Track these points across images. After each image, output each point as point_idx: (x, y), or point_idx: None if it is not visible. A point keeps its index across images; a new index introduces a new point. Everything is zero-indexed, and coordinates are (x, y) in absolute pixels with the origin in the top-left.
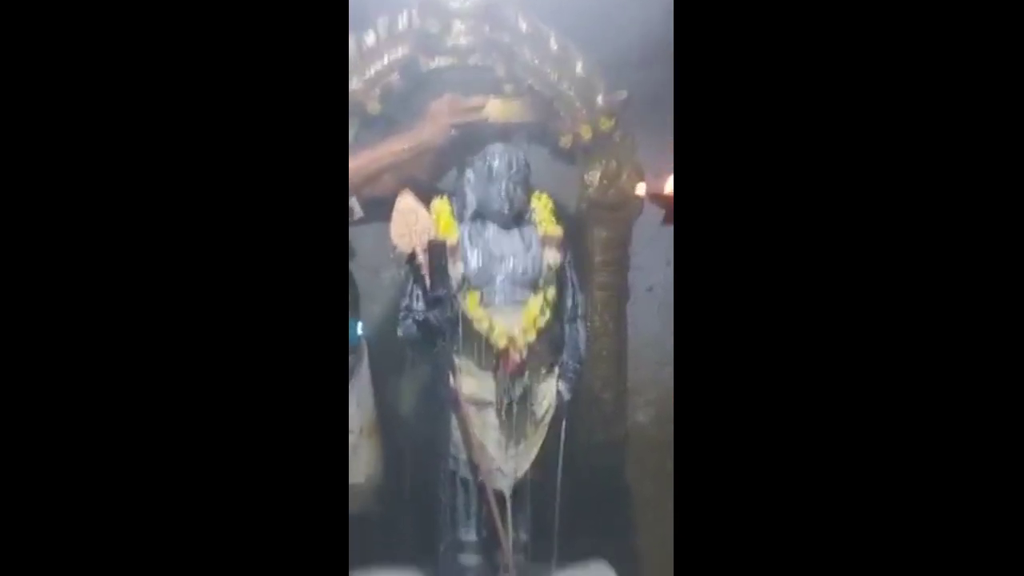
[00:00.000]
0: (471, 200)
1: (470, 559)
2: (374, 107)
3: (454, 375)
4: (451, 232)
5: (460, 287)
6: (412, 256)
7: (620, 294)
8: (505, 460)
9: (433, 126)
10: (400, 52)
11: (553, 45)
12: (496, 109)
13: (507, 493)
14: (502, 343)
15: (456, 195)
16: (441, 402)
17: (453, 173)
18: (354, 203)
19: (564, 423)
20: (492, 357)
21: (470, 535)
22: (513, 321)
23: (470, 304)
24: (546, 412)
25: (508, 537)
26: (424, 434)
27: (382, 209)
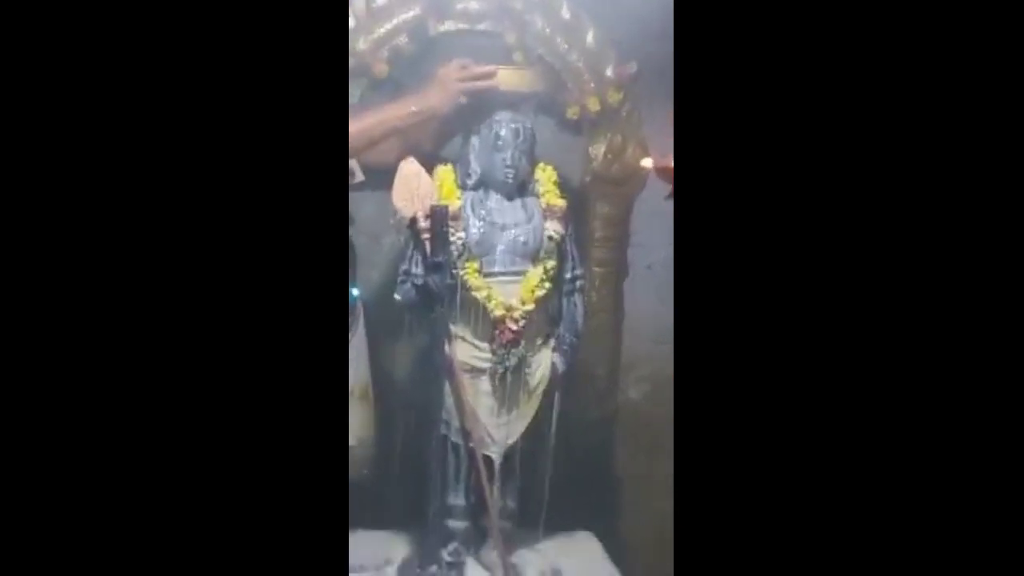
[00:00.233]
0: (475, 168)
1: (457, 523)
2: (381, 69)
3: (450, 342)
4: (453, 199)
5: (460, 255)
6: (413, 221)
7: (618, 270)
8: (496, 427)
9: (441, 92)
10: (410, 13)
11: (565, 14)
12: (505, 78)
13: (496, 460)
14: (499, 312)
15: (460, 163)
16: (436, 368)
17: (457, 141)
18: (355, 166)
19: (557, 395)
20: (488, 326)
21: (458, 500)
22: (511, 291)
23: (469, 272)
24: (539, 383)
25: (495, 503)
26: (417, 399)
27: (383, 177)
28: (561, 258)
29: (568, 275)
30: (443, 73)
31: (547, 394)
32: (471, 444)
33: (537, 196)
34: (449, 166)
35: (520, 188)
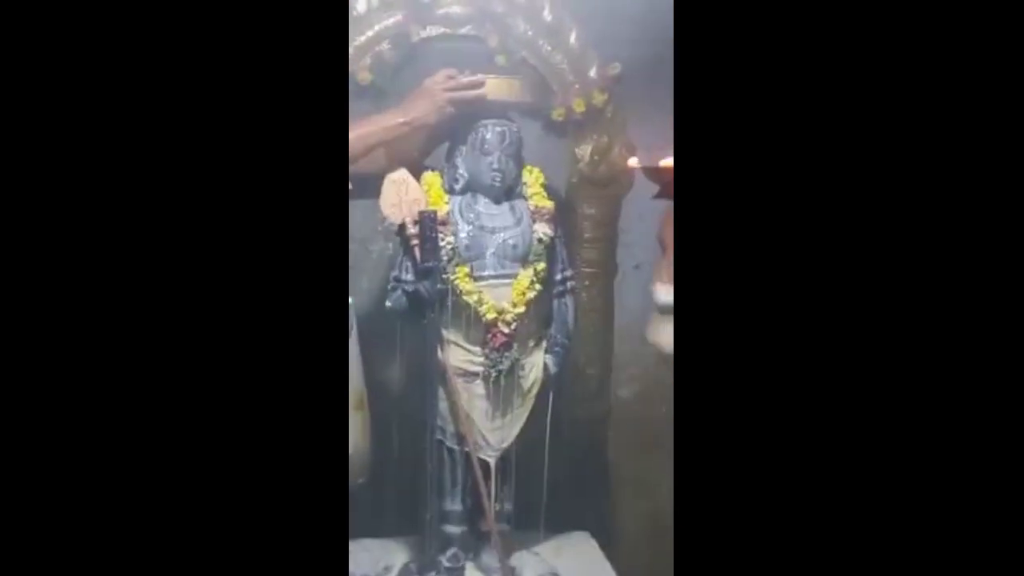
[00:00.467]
0: (462, 173)
1: (455, 529)
2: (364, 77)
3: (442, 347)
4: (441, 204)
5: (450, 260)
6: (402, 227)
7: (607, 270)
8: (491, 431)
9: (429, 102)
10: (391, 21)
11: (547, 16)
12: (493, 87)
13: (492, 464)
14: (491, 316)
15: (447, 167)
16: (429, 373)
17: (444, 148)
18: None
19: (551, 396)
20: (481, 330)
21: (455, 505)
22: (502, 294)
23: (460, 277)
24: (533, 385)
25: (492, 507)
26: (411, 405)
27: (371, 185)
28: (551, 260)
29: (558, 277)
30: (430, 83)
31: (541, 396)
32: (467, 449)
33: (525, 199)
34: (436, 172)
35: (508, 191)
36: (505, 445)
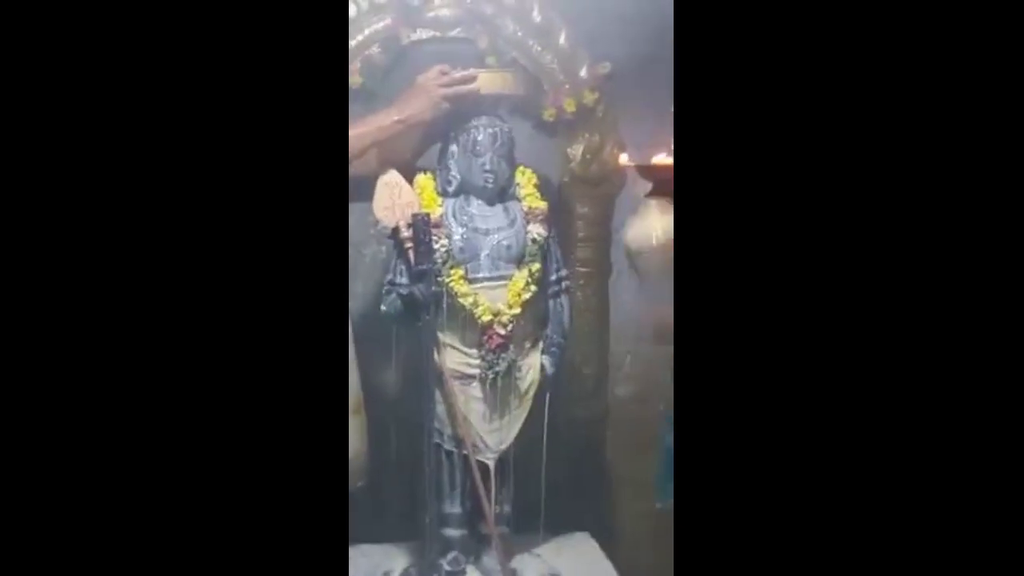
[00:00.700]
0: (455, 175)
1: (455, 532)
2: (355, 80)
3: (438, 350)
4: (435, 207)
5: (444, 262)
6: (396, 231)
7: (602, 269)
8: (489, 433)
9: (423, 99)
10: (381, 24)
11: (536, 17)
12: (486, 81)
13: (491, 466)
14: (486, 318)
15: (440, 170)
16: (425, 376)
17: (436, 149)
18: None
19: (548, 397)
20: (476, 332)
21: (454, 507)
22: (497, 296)
23: (454, 279)
24: (530, 386)
25: (492, 509)
26: (408, 408)
27: (363, 188)
28: (545, 260)
29: (553, 277)
30: (423, 80)
31: (538, 397)
32: (465, 451)
33: (518, 200)
34: (429, 174)
35: (501, 192)
36: (503, 447)
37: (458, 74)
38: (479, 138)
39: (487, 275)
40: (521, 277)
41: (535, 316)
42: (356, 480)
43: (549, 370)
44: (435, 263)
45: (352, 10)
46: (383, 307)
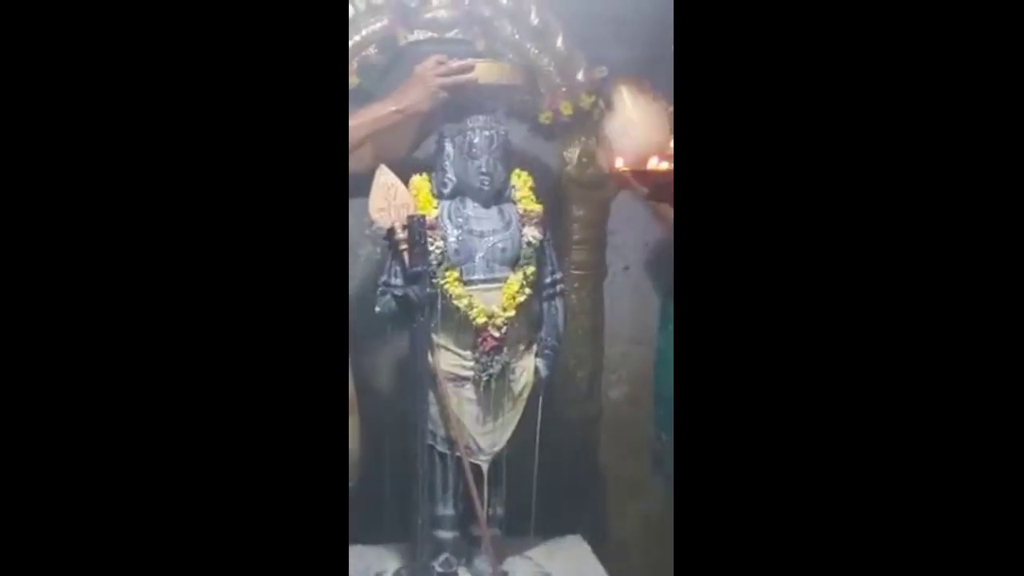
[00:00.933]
0: (450, 177)
1: (447, 534)
2: (352, 81)
3: (432, 351)
4: (430, 208)
5: (439, 264)
6: (391, 232)
7: (597, 272)
8: (482, 435)
9: (421, 89)
10: (378, 25)
11: (534, 19)
12: (483, 71)
13: (484, 468)
14: (481, 320)
15: (435, 171)
16: (419, 378)
17: (431, 144)
18: None
19: (541, 399)
20: (471, 334)
21: (447, 510)
22: (492, 298)
23: (449, 281)
24: (524, 388)
25: (484, 511)
26: (402, 410)
27: (359, 184)
28: (540, 263)
29: (548, 280)
30: (421, 70)
31: (531, 399)
32: (458, 453)
33: (514, 202)
34: (424, 175)
35: (496, 195)
36: (496, 449)
37: (456, 64)
38: (475, 140)
39: (482, 277)
40: (516, 280)
41: (529, 319)
42: (351, 481)
43: (543, 373)
44: (430, 265)
45: (350, 11)
46: (377, 308)
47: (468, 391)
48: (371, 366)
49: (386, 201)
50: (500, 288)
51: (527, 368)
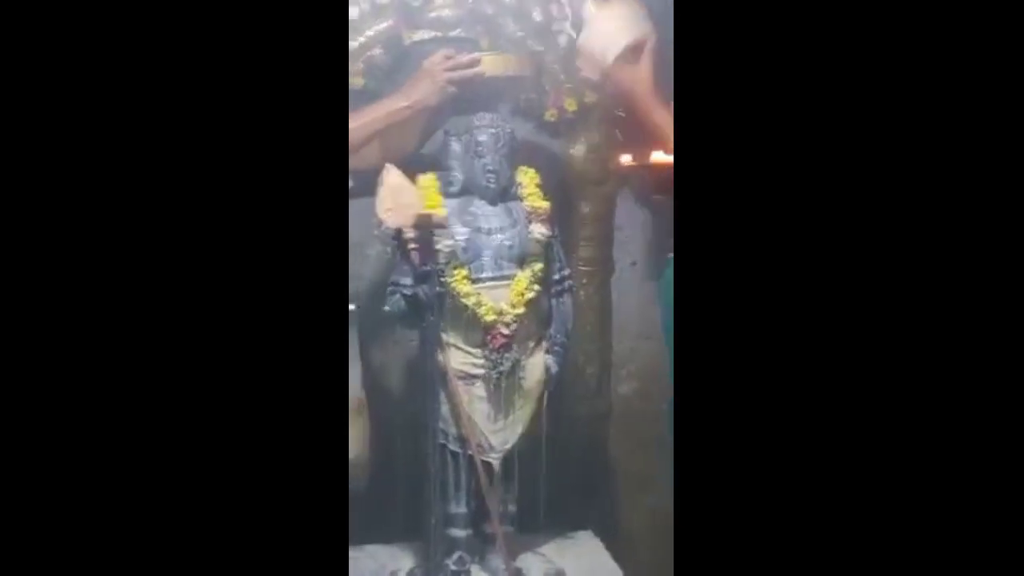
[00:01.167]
0: (457, 175)
1: (460, 532)
2: (357, 81)
3: (442, 350)
4: (438, 207)
5: (447, 263)
6: (399, 232)
7: (604, 268)
8: (493, 433)
9: (430, 83)
10: (383, 25)
11: (537, 17)
12: (491, 63)
13: (495, 465)
14: (490, 318)
15: (442, 170)
16: (429, 377)
17: (438, 139)
18: None
19: (546, 396)
20: (480, 332)
21: (459, 508)
22: (501, 296)
23: (458, 279)
24: (534, 385)
25: (496, 509)
26: (412, 409)
27: (366, 183)
28: (548, 260)
29: (556, 276)
30: (429, 64)
31: (541, 396)
32: (469, 451)
33: (520, 199)
34: (431, 174)
35: (503, 193)
36: (507, 446)
37: (464, 58)
38: (481, 139)
39: (490, 275)
40: (524, 277)
41: (538, 316)
42: (360, 480)
43: (553, 369)
44: (438, 263)
45: (354, 12)
46: (387, 307)
47: (479, 389)
48: (381, 366)
49: (393, 201)
50: (508, 286)
51: (537, 365)
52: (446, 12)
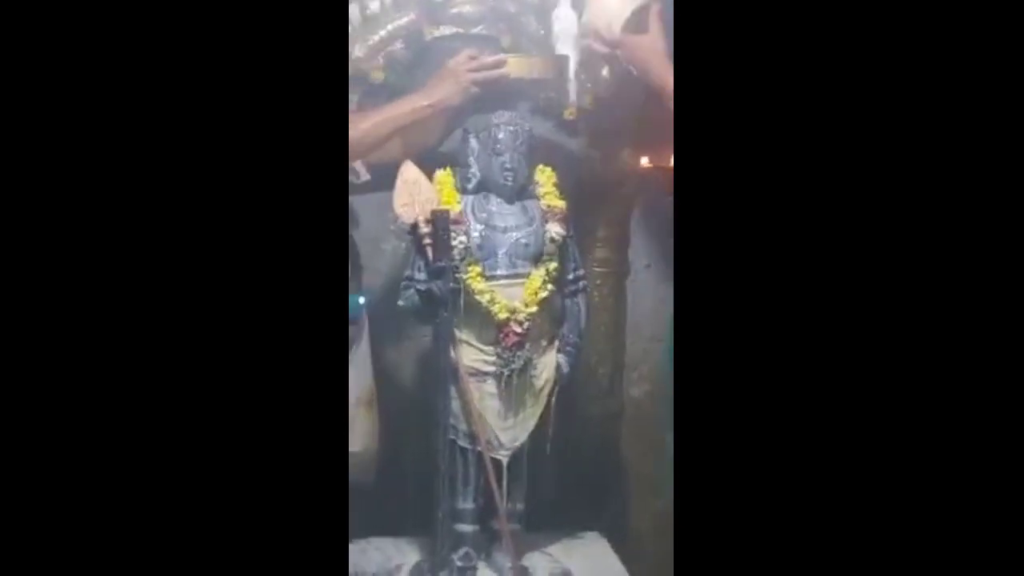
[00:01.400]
0: (474, 172)
1: (467, 528)
2: (377, 76)
3: (454, 346)
4: (454, 203)
5: (462, 259)
6: (415, 226)
7: (619, 269)
8: (503, 430)
9: (453, 83)
10: (404, 20)
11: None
12: (515, 65)
13: (504, 463)
14: (503, 315)
15: (459, 165)
16: (441, 373)
17: (456, 137)
18: (360, 166)
19: (556, 395)
20: (493, 329)
21: (467, 504)
22: (514, 294)
23: (472, 276)
24: (545, 384)
25: (504, 506)
26: (423, 404)
27: (385, 179)
28: (563, 259)
29: (570, 276)
30: (453, 64)
31: (553, 395)
32: (479, 448)
33: (537, 198)
34: (448, 170)
35: (520, 191)
36: (517, 444)
37: (488, 59)
38: (500, 136)
39: (504, 273)
40: (538, 275)
41: (551, 315)
42: (368, 474)
43: (565, 369)
44: (453, 260)
45: (375, 6)
46: (400, 302)
47: (490, 386)
48: (394, 360)
49: (410, 196)
50: (522, 284)
51: (549, 364)
52: (468, 8)
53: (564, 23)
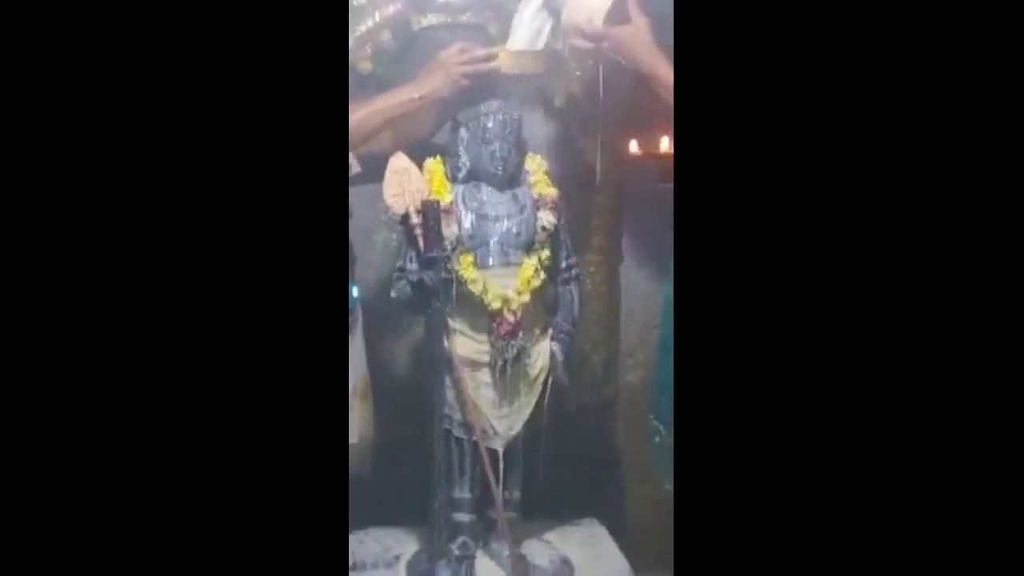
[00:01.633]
0: (464, 161)
1: (464, 517)
2: (365, 66)
3: (448, 336)
4: (444, 193)
5: (454, 249)
6: (406, 217)
7: (612, 257)
8: (498, 419)
9: (444, 76)
10: (391, 9)
11: None
12: (505, 60)
13: (500, 452)
14: (496, 304)
15: (449, 155)
16: (435, 363)
17: (447, 128)
18: (351, 158)
19: (550, 383)
20: (486, 318)
21: (464, 493)
22: (507, 283)
23: (464, 266)
24: (539, 373)
25: (500, 495)
26: (418, 394)
27: (375, 171)
28: (555, 247)
29: (563, 264)
30: (444, 56)
31: (547, 384)
32: (474, 438)
33: (528, 186)
34: (438, 159)
35: (511, 179)
36: (513, 433)
37: (479, 52)
38: (489, 125)
39: (496, 262)
40: (530, 264)
41: (545, 303)
42: (365, 465)
43: (559, 357)
44: (445, 249)
45: None
46: (393, 293)
47: (484, 375)
48: (387, 351)
49: (400, 186)
50: (515, 273)
51: (543, 352)
52: None
53: (538, 22)
